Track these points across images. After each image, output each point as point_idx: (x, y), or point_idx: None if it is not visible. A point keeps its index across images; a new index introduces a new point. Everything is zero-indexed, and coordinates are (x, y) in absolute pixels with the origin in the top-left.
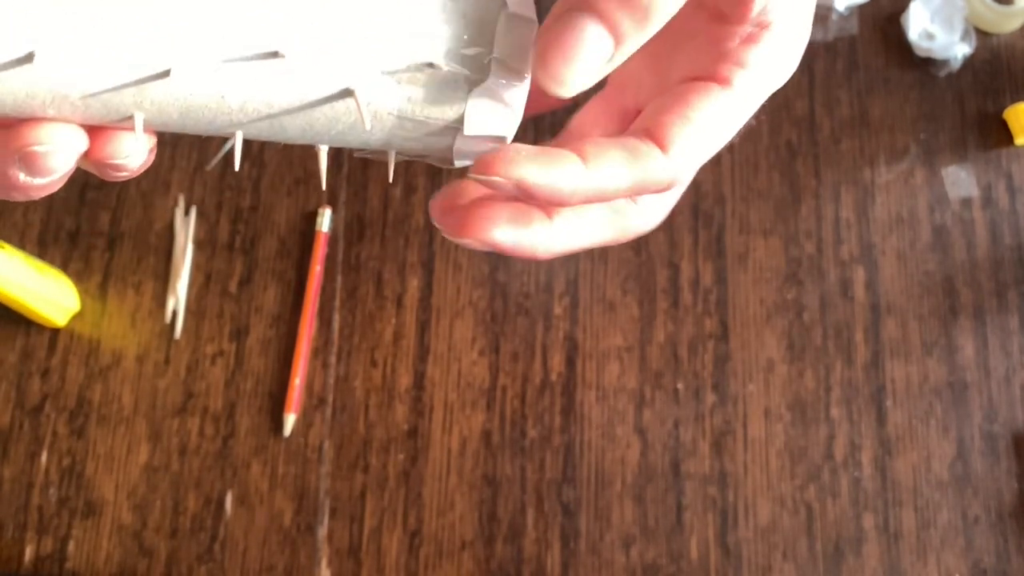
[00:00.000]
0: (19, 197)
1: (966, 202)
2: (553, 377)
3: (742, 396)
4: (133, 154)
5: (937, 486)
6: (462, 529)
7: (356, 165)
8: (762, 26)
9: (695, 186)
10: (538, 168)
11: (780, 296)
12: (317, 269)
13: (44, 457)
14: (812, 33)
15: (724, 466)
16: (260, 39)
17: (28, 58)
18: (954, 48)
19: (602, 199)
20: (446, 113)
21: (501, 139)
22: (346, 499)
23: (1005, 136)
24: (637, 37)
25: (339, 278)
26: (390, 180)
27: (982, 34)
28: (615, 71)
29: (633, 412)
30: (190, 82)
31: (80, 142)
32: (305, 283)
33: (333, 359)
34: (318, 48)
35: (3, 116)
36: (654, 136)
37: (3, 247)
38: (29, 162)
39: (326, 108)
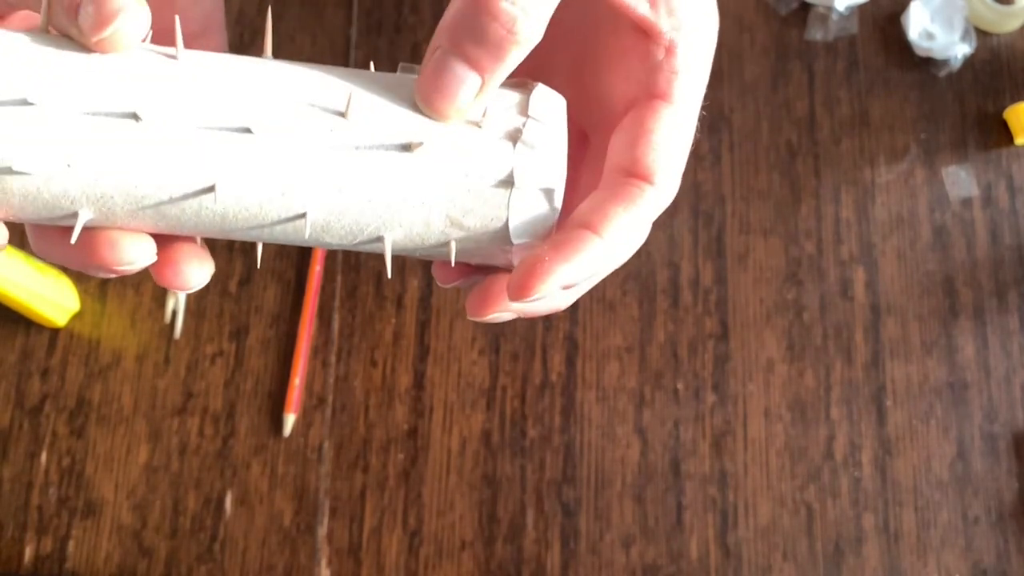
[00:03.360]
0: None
1: (966, 202)
2: (553, 377)
3: (742, 396)
4: (199, 278)
5: (937, 486)
6: (462, 529)
7: None
8: (676, 29)
9: (695, 186)
10: (569, 266)
11: (780, 296)
12: (317, 269)
13: (44, 457)
14: (812, 33)
15: (724, 466)
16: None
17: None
18: (954, 48)
19: (626, 253)
20: (497, 171)
21: (550, 191)
22: (346, 499)
23: (1005, 136)
24: (499, 71)
25: (339, 278)
26: (388, 275)
27: (982, 34)
28: None
29: (633, 412)
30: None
31: (152, 254)
32: (305, 283)
33: (333, 359)
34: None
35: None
36: (636, 174)
37: None
38: (111, 272)
39: (389, 166)
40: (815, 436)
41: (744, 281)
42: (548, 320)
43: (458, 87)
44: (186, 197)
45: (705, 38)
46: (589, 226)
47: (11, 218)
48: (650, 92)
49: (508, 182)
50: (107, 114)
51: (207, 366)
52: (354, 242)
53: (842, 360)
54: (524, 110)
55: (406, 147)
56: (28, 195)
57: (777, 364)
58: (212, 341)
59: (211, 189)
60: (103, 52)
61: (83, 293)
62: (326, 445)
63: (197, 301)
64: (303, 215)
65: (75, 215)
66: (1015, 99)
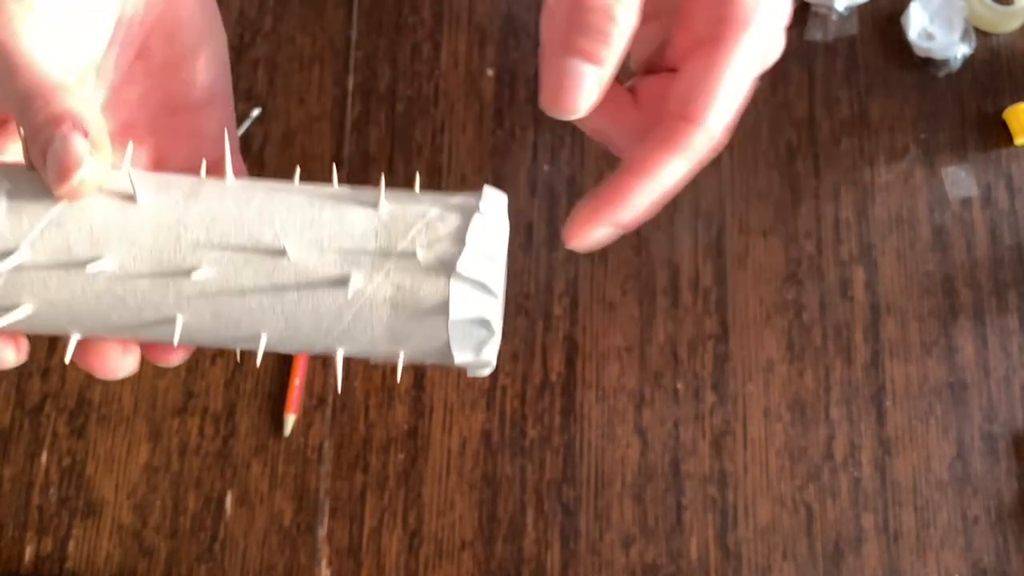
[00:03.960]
0: None
1: (966, 202)
2: (553, 377)
3: (742, 396)
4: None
5: (937, 486)
6: (462, 529)
7: (356, 167)
8: None
9: (695, 186)
10: (621, 210)
11: (780, 296)
12: None
13: (44, 457)
14: (812, 33)
15: (724, 466)
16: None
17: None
18: (954, 48)
19: (672, 190)
20: (431, 301)
21: (485, 321)
22: (346, 499)
23: (1005, 136)
24: (613, 54)
25: None
26: (398, 380)
27: (982, 34)
28: None
29: (633, 412)
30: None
31: (136, 362)
32: None
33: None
34: (314, 249)
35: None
36: (684, 116)
37: None
38: (104, 377)
39: (328, 299)
40: (815, 436)
41: (744, 281)
42: (548, 320)
43: (582, 81)
44: (155, 325)
45: None
46: (641, 167)
47: (22, 332)
48: (711, 36)
49: (443, 311)
50: (75, 265)
51: (207, 366)
52: (310, 353)
53: (842, 360)
54: (461, 237)
55: (343, 281)
56: (24, 324)
57: (777, 364)
58: None
59: (172, 321)
60: (69, 200)
61: None
62: (326, 445)
63: None
64: (259, 337)
65: (68, 335)
66: (1015, 99)
